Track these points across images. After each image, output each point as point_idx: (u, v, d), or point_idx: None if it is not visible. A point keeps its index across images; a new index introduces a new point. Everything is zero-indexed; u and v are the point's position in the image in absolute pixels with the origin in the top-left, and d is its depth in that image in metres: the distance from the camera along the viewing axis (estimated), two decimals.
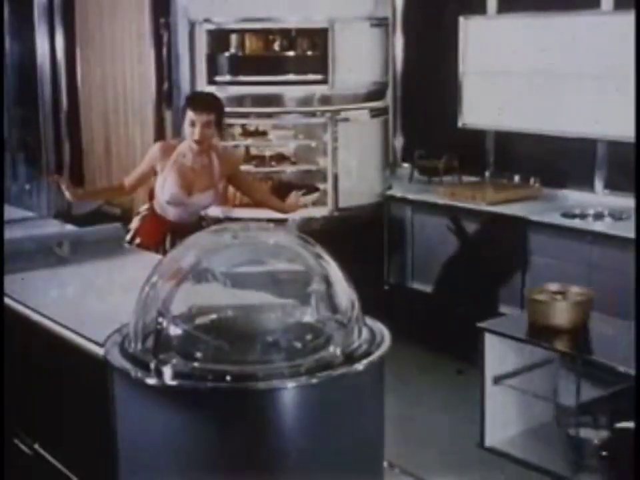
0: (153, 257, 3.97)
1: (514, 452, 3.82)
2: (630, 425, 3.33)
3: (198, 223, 4.71)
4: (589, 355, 3.63)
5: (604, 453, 3.53)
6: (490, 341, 3.81)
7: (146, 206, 4.75)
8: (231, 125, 6.00)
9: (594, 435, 3.56)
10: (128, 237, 4.57)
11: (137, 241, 4.59)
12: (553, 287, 3.95)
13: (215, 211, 5.64)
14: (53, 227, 4.71)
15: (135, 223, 4.68)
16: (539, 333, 3.80)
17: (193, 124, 4.40)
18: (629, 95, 4.92)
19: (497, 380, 3.82)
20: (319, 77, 5.90)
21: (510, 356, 3.85)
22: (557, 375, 3.70)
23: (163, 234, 4.60)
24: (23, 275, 3.69)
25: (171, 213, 4.59)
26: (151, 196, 4.71)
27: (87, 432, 2.99)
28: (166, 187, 4.52)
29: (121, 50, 8.41)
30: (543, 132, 5.76)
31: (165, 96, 7.11)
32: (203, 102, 4.53)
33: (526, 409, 3.88)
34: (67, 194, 4.53)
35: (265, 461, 2.30)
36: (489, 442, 3.85)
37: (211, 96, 4.81)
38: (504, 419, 3.89)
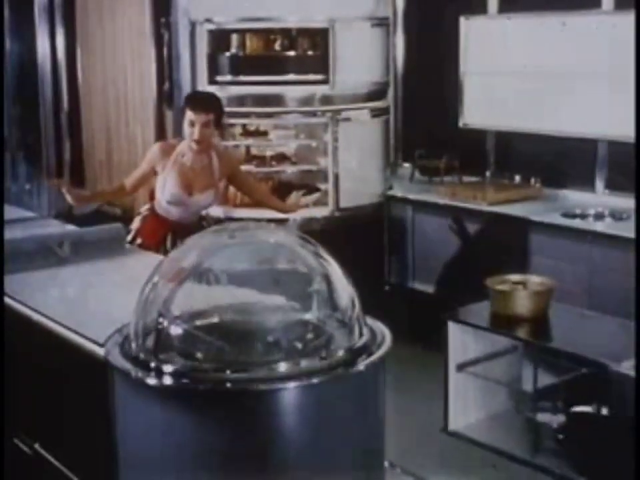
0: (153, 257, 3.97)
1: (476, 436, 3.94)
2: (585, 409, 3.43)
3: (199, 223, 4.71)
4: (546, 342, 3.73)
5: (561, 436, 3.63)
6: (453, 329, 3.90)
7: (147, 206, 4.76)
8: (231, 125, 6.00)
9: (552, 419, 3.67)
10: (129, 238, 4.57)
11: (138, 241, 4.59)
12: (514, 277, 4.04)
13: (216, 211, 5.65)
14: (54, 227, 4.70)
15: (136, 224, 4.69)
16: (500, 321, 3.91)
17: (192, 124, 4.41)
18: (629, 94, 4.92)
19: (460, 367, 3.89)
20: (319, 76, 5.89)
21: (473, 344, 3.96)
22: (518, 363, 3.79)
23: (164, 234, 4.60)
24: (24, 275, 3.70)
25: (172, 213, 4.60)
26: (152, 196, 4.72)
27: (87, 432, 2.99)
28: (166, 186, 4.52)
29: (121, 49, 8.41)
30: (544, 132, 5.76)
31: (166, 96, 7.11)
32: (202, 102, 4.54)
33: (488, 395, 4.01)
34: (68, 198, 4.53)
35: (264, 461, 2.30)
36: (452, 426, 3.94)
37: (211, 95, 4.81)
38: (467, 404, 4.00)
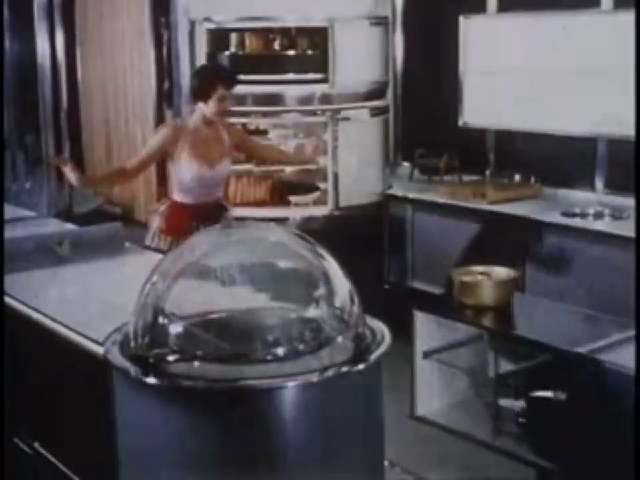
0: (153, 256, 3.97)
1: (441, 420, 4.03)
2: (544, 394, 3.54)
3: (217, 204, 4.69)
4: (508, 330, 3.86)
5: (521, 420, 3.74)
6: (420, 318, 4.00)
7: (162, 203, 4.69)
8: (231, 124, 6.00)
9: (514, 404, 3.78)
10: (149, 240, 4.51)
11: (161, 238, 4.52)
12: (479, 268, 4.13)
13: None
14: (53, 226, 4.70)
15: (155, 222, 4.60)
16: (465, 310, 4.00)
17: (223, 98, 4.49)
18: (629, 94, 4.92)
19: (426, 355, 4.00)
20: (319, 75, 5.90)
21: (440, 333, 4.05)
22: (483, 351, 3.90)
23: (189, 221, 4.49)
24: (23, 275, 3.70)
25: (192, 196, 4.56)
26: (163, 193, 4.71)
27: (87, 431, 2.99)
28: (187, 166, 4.51)
29: (121, 49, 8.40)
30: (544, 131, 5.76)
31: (166, 95, 7.11)
32: (233, 77, 4.70)
33: (454, 381, 4.11)
34: (71, 177, 4.43)
35: (264, 460, 2.30)
36: (419, 412, 4.05)
37: None
38: (433, 390, 4.12)
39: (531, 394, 3.69)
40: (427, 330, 4.02)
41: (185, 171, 4.52)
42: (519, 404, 3.80)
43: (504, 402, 3.84)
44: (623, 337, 3.43)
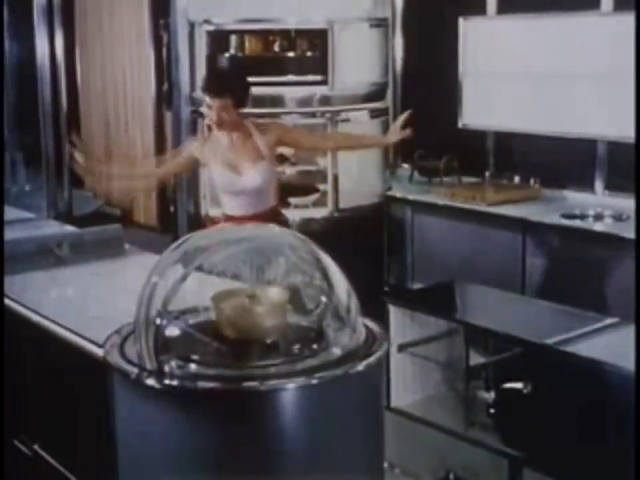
0: (152, 258, 3.97)
1: (415, 412, 4.07)
2: (513, 385, 3.62)
3: (271, 215, 4.36)
4: (481, 323, 3.88)
5: (492, 411, 3.83)
6: (394, 312, 4.04)
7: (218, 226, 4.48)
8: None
9: (487, 396, 3.87)
10: None
11: None
12: (245, 289, 4.20)
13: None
14: (53, 228, 4.70)
15: None
16: (439, 305, 4.11)
17: (209, 107, 4.24)
18: (629, 95, 4.91)
19: (401, 348, 4.04)
20: (318, 77, 5.90)
21: (413, 326, 4.10)
22: (458, 344, 3.95)
23: None
24: (23, 276, 3.70)
25: (238, 208, 4.35)
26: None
27: (86, 433, 2.99)
28: (215, 175, 4.39)
29: (120, 51, 8.42)
30: (543, 132, 5.76)
31: (165, 97, 7.10)
32: (212, 85, 4.35)
33: (427, 374, 4.17)
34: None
35: (264, 462, 2.30)
36: (393, 403, 4.09)
37: (227, 75, 4.74)
38: (407, 382, 4.16)
39: (501, 386, 3.75)
40: (402, 323, 4.06)
41: (216, 180, 4.42)
42: (490, 395, 3.87)
43: (478, 394, 3.91)
44: (589, 330, 3.52)
